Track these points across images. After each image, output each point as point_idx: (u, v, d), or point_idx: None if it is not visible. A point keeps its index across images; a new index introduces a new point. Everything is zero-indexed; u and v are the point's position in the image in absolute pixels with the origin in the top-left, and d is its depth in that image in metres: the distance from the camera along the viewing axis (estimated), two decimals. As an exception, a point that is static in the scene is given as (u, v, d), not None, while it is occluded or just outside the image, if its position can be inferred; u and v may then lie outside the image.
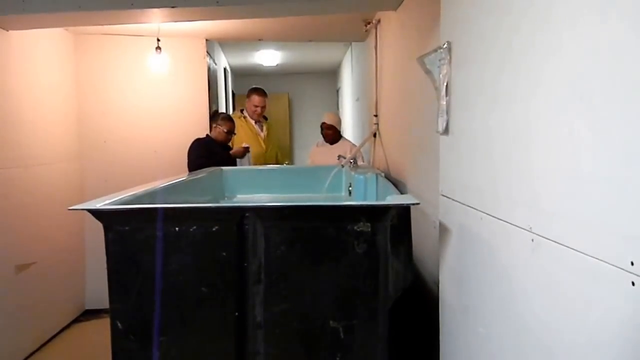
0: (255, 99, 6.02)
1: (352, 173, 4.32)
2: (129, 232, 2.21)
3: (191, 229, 2.20)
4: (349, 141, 6.46)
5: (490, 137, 1.70)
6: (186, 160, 5.43)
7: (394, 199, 2.42)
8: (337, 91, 12.50)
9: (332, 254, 2.21)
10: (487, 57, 1.74)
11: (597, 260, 1.10)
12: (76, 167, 5.75)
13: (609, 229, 1.07)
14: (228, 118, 5.74)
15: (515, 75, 1.51)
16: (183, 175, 4.22)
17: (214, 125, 5.62)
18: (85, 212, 2.25)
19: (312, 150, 6.41)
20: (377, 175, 3.88)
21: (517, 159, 1.49)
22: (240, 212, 2.22)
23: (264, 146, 6.09)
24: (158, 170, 5.21)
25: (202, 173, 4.41)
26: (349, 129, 9.17)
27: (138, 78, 5.96)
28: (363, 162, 5.62)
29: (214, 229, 2.21)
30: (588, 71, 1.14)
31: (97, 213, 2.23)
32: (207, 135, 5.64)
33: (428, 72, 2.35)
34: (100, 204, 2.28)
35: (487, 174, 1.74)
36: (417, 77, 3.23)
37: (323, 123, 6.13)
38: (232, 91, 11.07)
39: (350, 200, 4.20)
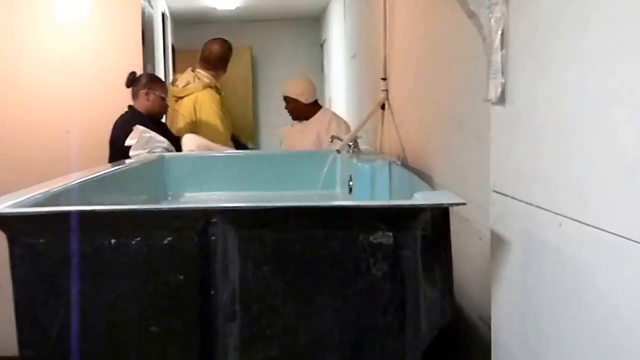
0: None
1: (354, 161, 4.26)
2: (44, 245, 2.16)
3: (133, 242, 2.15)
4: (329, 110, 6.45)
5: (578, 105, 1.66)
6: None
7: (425, 196, 2.36)
8: (322, 46, 12.52)
9: (338, 277, 2.17)
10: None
11: None
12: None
13: None
14: (159, 79, 5.71)
15: (626, 14, 1.45)
16: (110, 165, 4.17)
17: (141, 91, 5.51)
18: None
19: (285, 132, 6.44)
20: (390, 163, 3.84)
21: (624, 137, 1.45)
22: (204, 217, 2.17)
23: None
24: (73, 158, 5.16)
25: (137, 162, 4.35)
26: (342, 99, 9.17)
27: (42, 29, 5.88)
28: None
29: (165, 242, 2.16)
30: None
31: (-3, 219, 2.17)
32: (129, 107, 5.52)
33: (472, 15, 2.33)
34: (1, 206, 2.23)
35: (570, 160, 1.70)
36: (451, 23, 3.20)
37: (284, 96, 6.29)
38: (172, 46, 11.03)
39: (350, 200, 4.15)
